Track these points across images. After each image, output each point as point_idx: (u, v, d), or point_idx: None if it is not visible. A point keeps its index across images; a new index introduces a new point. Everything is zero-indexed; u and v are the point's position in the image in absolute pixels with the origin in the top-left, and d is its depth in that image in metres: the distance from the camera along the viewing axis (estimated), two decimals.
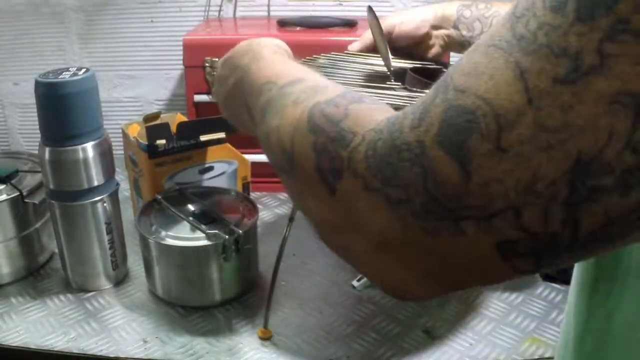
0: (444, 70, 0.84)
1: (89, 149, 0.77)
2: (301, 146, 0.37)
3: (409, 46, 0.86)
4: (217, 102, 0.65)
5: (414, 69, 0.78)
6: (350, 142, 0.33)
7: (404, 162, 0.29)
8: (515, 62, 0.26)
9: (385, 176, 0.30)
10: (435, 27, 0.84)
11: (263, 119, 0.44)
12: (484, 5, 0.80)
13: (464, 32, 0.81)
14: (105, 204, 0.81)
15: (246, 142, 1.01)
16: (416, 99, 0.75)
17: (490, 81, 0.27)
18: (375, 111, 0.35)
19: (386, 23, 0.84)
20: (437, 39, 0.85)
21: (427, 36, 0.85)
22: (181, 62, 1.08)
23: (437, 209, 0.28)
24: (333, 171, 0.34)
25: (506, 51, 0.27)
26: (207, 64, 1.06)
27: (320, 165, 0.35)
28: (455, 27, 0.82)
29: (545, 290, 0.84)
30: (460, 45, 0.83)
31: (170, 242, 0.78)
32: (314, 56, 0.87)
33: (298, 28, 1.14)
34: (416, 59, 0.85)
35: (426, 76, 0.75)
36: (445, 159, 0.27)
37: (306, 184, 0.36)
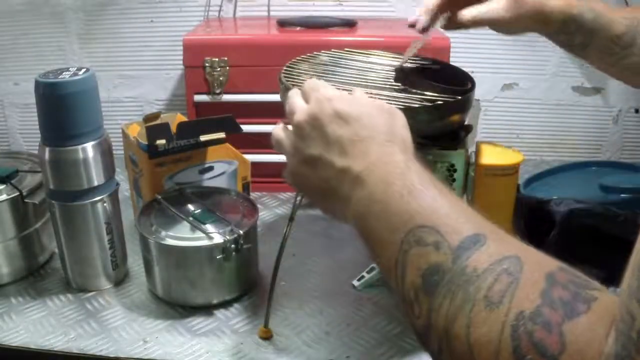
0: (446, 71, 0.84)
1: (89, 149, 0.77)
2: None
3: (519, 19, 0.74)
4: (291, 165, 0.52)
5: (414, 70, 0.78)
6: None
7: None
8: None
9: None
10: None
11: (432, 296, 0.37)
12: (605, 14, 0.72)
13: (575, 37, 0.73)
14: (105, 204, 0.81)
15: (246, 142, 1.01)
16: (416, 100, 0.75)
17: None
18: (595, 330, 0.30)
19: None
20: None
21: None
22: (181, 62, 1.08)
23: None
24: None
25: None
26: (207, 64, 1.06)
27: None
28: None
29: None
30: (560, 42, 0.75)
31: (170, 242, 0.78)
32: (315, 53, 0.87)
33: (298, 28, 1.14)
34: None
35: (426, 77, 0.76)
36: None
37: None
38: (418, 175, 0.43)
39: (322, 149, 0.48)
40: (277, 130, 0.54)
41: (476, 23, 0.74)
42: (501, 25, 0.74)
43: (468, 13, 0.74)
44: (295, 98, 0.53)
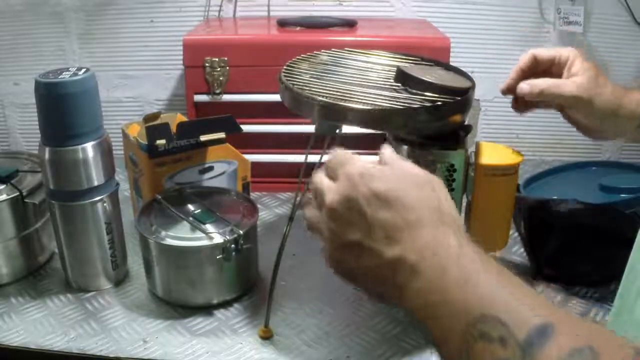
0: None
1: (89, 149, 0.77)
2: None
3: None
4: (330, 249, 0.49)
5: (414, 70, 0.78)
6: None
7: None
8: None
9: None
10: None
11: None
12: None
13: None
14: (105, 204, 0.81)
15: (246, 142, 1.01)
16: (416, 101, 0.75)
17: None
18: None
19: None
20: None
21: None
22: (181, 62, 1.08)
23: None
24: None
25: None
26: (207, 64, 1.06)
27: None
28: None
29: (545, 290, 0.84)
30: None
31: (170, 242, 0.78)
32: (315, 52, 0.87)
33: (298, 28, 1.14)
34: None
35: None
36: None
37: None
38: (473, 260, 0.41)
39: (363, 235, 0.44)
40: (310, 213, 0.49)
41: (542, 96, 0.74)
42: (570, 104, 0.74)
43: (536, 85, 0.73)
44: (318, 175, 0.49)
